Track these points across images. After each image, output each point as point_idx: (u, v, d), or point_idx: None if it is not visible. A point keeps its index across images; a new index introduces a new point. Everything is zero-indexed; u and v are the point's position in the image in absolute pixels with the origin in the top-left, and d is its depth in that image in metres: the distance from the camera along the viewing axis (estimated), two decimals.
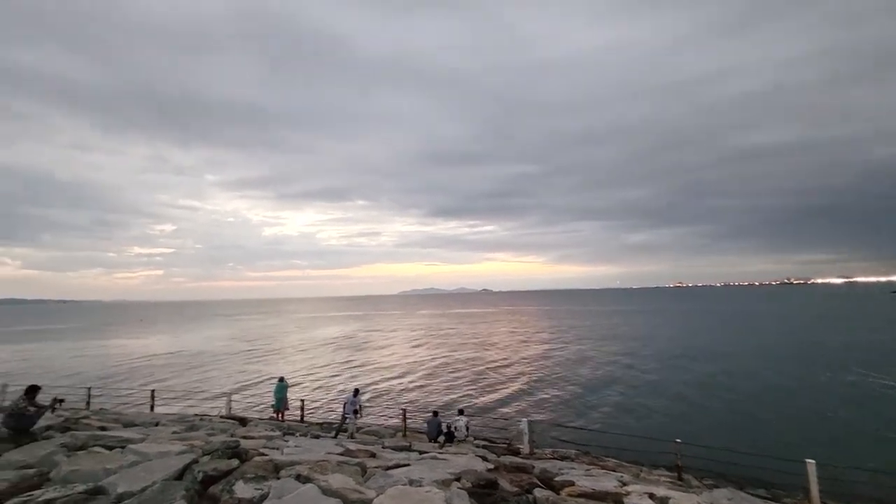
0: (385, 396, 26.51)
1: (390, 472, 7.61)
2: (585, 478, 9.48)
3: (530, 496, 7.33)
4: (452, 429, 14.89)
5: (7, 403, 13.37)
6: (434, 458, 10.10)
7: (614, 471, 12.01)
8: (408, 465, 8.38)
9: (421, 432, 16.36)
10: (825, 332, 52.77)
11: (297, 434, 14.35)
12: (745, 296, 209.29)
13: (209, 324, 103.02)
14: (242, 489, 6.02)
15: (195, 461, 7.07)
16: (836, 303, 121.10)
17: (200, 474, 6.37)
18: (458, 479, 7.46)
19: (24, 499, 5.55)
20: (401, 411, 17.48)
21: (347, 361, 39.97)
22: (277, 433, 13.13)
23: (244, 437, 10.48)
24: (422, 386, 29.15)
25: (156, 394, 20.00)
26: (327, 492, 6.10)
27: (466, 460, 9.89)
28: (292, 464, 7.35)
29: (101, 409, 18.50)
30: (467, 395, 26.31)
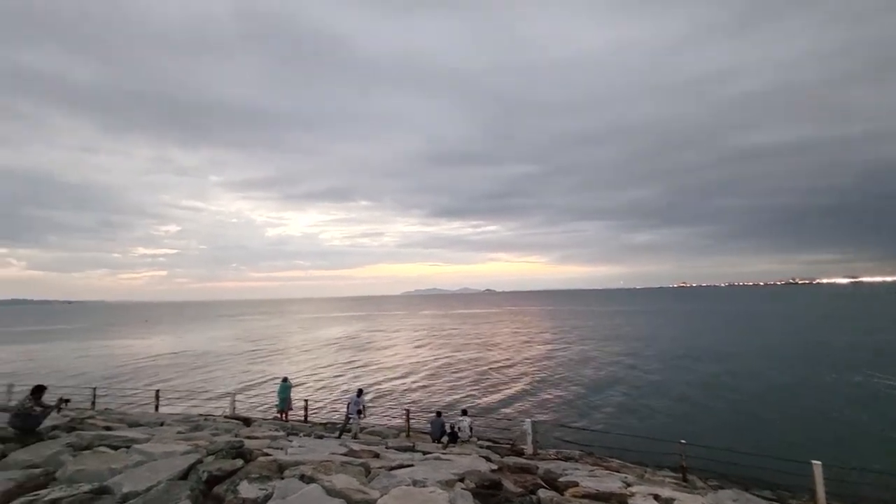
0: (388, 397, 26.53)
1: (394, 472, 7.61)
2: (589, 478, 9.44)
3: (534, 497, 7.31)
4: (456, 429, 14.86)
5: (13, 403, 13.47)
6: (437, 458, 10.09)
7: (618, 472, 11.96)
8: (411, 465, 8.38)
9: (424, 433, 16.34)
10: (830, 332, 52.41)
11: (301, 434, 14.38)
12: (749, 296, 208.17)
13: (213, 324, 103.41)
14: (247, 489, 6.03)
15: (200, 461, 7.09)
16: (841, 303, 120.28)
17: (205, 474, 6.39)
18: (461, 480, 7.45)
19: (31, 498, 5.59)
20: (404, 412, 17.48)
21: (350, 362, 40.04)
22: (281, 433, 13.16)
23: (248, 438, 10.51)
24: (425, 386, 29.16)
25: (160, 394, 20.07)
26: (331, 492, 6.10)
27: (470, 461, 9.88)
28: (296, 464, 7.36)
29: (106, 409, 18.60)
30: (470, 395, 26.29)
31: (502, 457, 12.36)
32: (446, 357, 41.12)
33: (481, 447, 14.31)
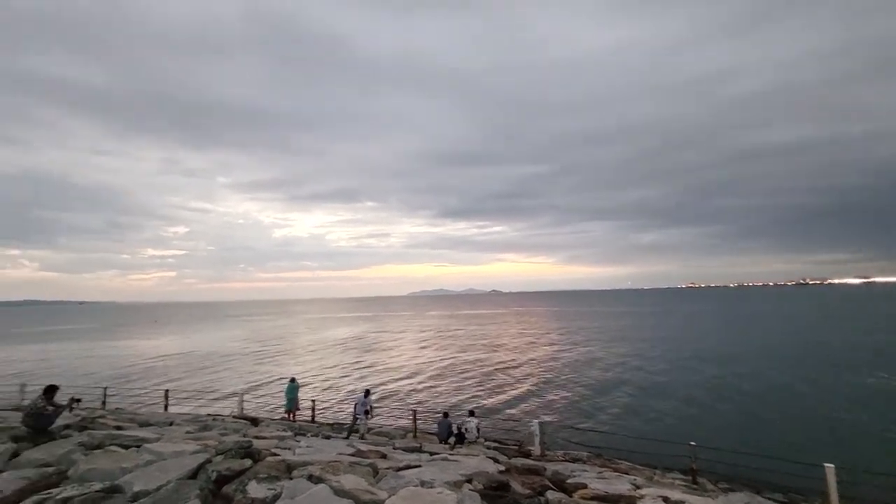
0: (395, 397, 26.54)
1: (401, 473, 7.60)
2: (598, 480, 9.37)
3: (542, 498, 7.27)
4: (463, 430, 14.83)
5: (26, 403, 13.66)
6: (445, 459, 10.07)
7: (627, 473, 11.87)
8: (419, 466, 8.36)
9: (431, 433, 16.34)
10: (840, 333, 51.63)
11: (309, 434, 14.43)
12: (759, 296, 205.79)
13: (221, 324, 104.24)
14: (255, 489, 6.05)
15: (209, 461, 7.13)
16: (852, 304, 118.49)
17: (214, 474, 6.42)
18: (469, 481, 7.42)
19: (43, 496, 5.65)
20: (411, 412, 17.47)
21: (357, 362, 40.15)
22: (289, 433, 13.22)
23: (256, 438, 10.56)
24: (431, 387, 29.14)
25: (169, 394, 20.27)
26: (339, 492, 6.10)
27: (478, 462, 9.85)
28: (304, 464, 7.37)
29: (116, 408, 18.82)
30: (476, 396, 26.23)
31: (510, 458, 12.31)
32: (452, 358, 41.09)
33: (488, 448, 14.26)
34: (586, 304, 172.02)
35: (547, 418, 20.10)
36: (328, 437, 14.03)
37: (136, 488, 5.94)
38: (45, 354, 50.84)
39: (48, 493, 5.74)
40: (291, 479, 6.67)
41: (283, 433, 12.97)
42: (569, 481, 9.08)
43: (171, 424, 12.95)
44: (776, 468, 12.43)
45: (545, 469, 10.25)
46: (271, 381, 30.83)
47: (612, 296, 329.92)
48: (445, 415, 15.77)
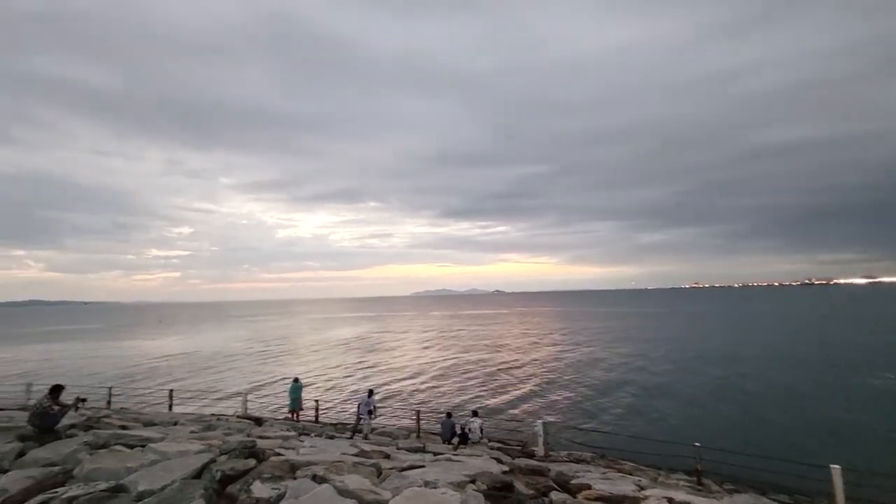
0: (398, 397, 26.56)
1: (405, 473, 7.59)
2: (602, 481, 9.34)
3: (546, 499, 7.24)
4: (466, 430, 14.82)
5: (32, 402, 13.75)
6: (448, 459, 10.05)
7: (631, 474, 11.82)
8: (422, 466, 8.35)
9: (434, 434, 16.32)
10: (844, 333, 51.30)
11: (313, 434, 14.45)
12: (764, 297, 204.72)
13: (224, 325, 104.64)
14: (260, 489, 6.06)
15: (213, 460, 7.15)
16: (858, 304, 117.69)
17: (218, 473, 6.43)
18: (473, 482, 7.40)
19: (49, 496, 5.68)
20: (414, 412, 17.46)
21: (360, 362, 40.20)
22: (293, 433, 13.24)
23: (260, 437, 10.58)
24: (434, 387, 29.14)
25: (173, 393, 20.34)
26: (343, 492, 6.10)
27: (481, 462, 9.83)
28: (308, 464, 7.38)
29: (121, 408, 18.92)
30: (480, 396, 26.21)
31: (513, 458, 12.28)
32: (455, 358, 41.07)
33: (492, 448, 14.24)
34: (590, 305, 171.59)
35: (550, 419, 20.06)
36: (332, 437, 14.05)
37: (141, 488, 5.95)
38: (50, 354, 51.19)
39: (54, 493, 5.77)
40: (295, 478, 6.68)
41: (287, 433, 13.00)
42: (573, 482, 9.04)
43: (175, 424, 13.00)
44: (781, 469, 12.34)
45: (549, 470, 10.22)
46: (275, 381, 30.91)
47: (616, 296, 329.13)
48: (449, 415, 15.75)
